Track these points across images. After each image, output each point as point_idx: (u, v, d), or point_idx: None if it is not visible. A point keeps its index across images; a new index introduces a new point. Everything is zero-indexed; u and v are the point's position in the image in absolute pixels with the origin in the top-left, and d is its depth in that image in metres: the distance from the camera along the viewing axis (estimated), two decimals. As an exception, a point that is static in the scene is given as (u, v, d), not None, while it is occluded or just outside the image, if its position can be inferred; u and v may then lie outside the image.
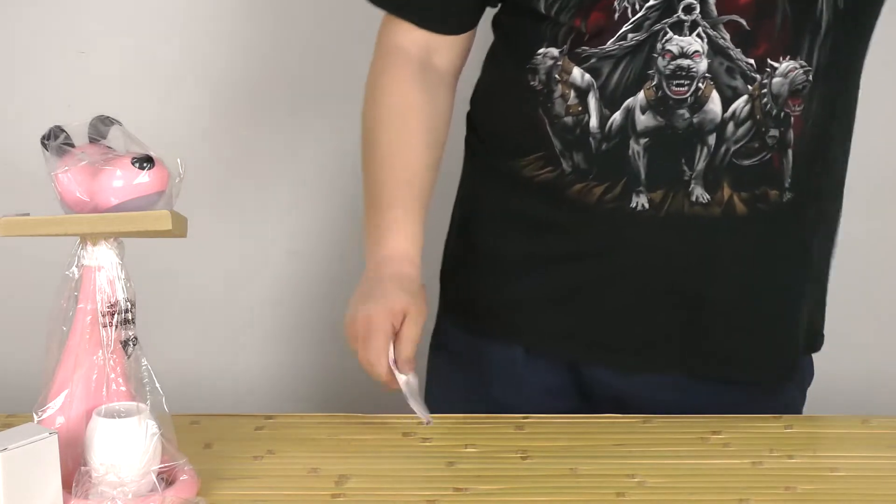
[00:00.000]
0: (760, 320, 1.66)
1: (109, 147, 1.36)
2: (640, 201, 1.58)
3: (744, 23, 1.53)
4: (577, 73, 1.56)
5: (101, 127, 1.37)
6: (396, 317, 1.54)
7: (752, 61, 1.54)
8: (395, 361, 1.53)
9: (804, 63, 1.56)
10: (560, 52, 1.57)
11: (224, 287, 2.36)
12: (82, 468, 1.34)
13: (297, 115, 2.28)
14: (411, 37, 1.67)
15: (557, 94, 1.58)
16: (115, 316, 1.34)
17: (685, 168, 1.57)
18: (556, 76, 1.58)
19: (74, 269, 1.36)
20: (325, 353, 2.37)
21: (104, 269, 1.35)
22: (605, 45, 1.55)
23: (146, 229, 1.32)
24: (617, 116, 1.56)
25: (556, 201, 1.61)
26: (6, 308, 2.34)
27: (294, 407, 1.84)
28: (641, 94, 1.55)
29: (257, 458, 1.50)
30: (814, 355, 1.81)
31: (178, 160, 1.35)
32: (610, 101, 1.56)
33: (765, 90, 1.55)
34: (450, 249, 1.78)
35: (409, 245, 1.61)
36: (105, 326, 1.34)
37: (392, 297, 1.55)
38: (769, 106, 1.56)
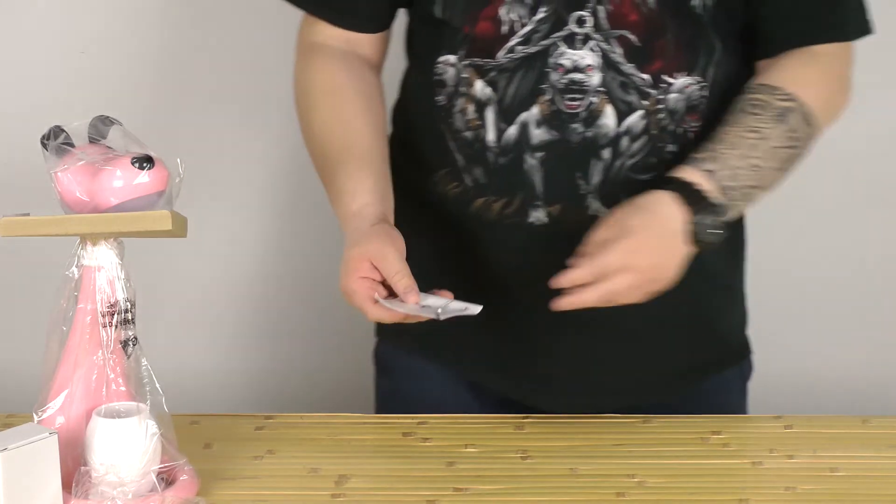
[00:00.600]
0: (662, 335, 1.64)
1: (109, 147, 1.36)
2: (538, 216, 1.57)
3: (634, 39, 1.53)
4: (479, 86, 1.56)
5: (101, 127, 1.37)
6: (362, 259, 1.48)
7: (646, 77, 1.54)
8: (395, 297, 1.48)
9: (699, 79, 1.55)
10: (458, 59, 1.56)
11: (224, 287, 2.36)
12: (82, 468, 1.34)
13: (295, 116, 2.28)
14: (330, 33, 1.67)
15: (458, 108, 1.58)
16: (115, 316, 1.35)
17: (581, 182, 1.56)
18: (462, 89, 1.57)
19: (74, 269, 1.36)
20: (324, 353, 2.36)
21: (104, 269, 1.35)
22: (494, 57, 1.55)
23: (146, 229, 1.32)
24: (512, 130, 1.56)
25: (462, 217, 1.61)
26: (6, 308, 2.34)
27: (294, 407, 1.84)
28: (536, 108, 1.55)
29: (257, 458, 1.50)
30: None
31: (178, 160, 1.35)
32: (506, 115, 1.55)
33: (661, 106, 1.54)
34: None
35: (363, 200, 1.55)
36: (105, 326, 1.34)
37: (353, 246, 1.50)
38: (666, 121, 1.55)
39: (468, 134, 1.58)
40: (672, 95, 1.55)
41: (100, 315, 1.34)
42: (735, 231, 1.65)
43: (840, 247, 2.29)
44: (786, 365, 2.30)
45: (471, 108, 1.57)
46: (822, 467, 1.47)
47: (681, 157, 1.55)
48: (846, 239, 2.29)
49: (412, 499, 1.41)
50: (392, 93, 1.72)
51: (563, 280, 1.43)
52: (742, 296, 1.74)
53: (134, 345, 1.36)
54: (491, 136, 1.56)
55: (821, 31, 1.59)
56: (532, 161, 1.56)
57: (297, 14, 1.71)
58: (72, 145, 1.35)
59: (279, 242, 2.36)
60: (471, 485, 1.44)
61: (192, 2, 2.26)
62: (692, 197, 1.48)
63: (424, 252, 1.59)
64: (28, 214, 1.34)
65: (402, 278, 1.45)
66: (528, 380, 1.65)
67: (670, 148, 1.56)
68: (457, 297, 1.49)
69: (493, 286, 1.61)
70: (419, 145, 1.66)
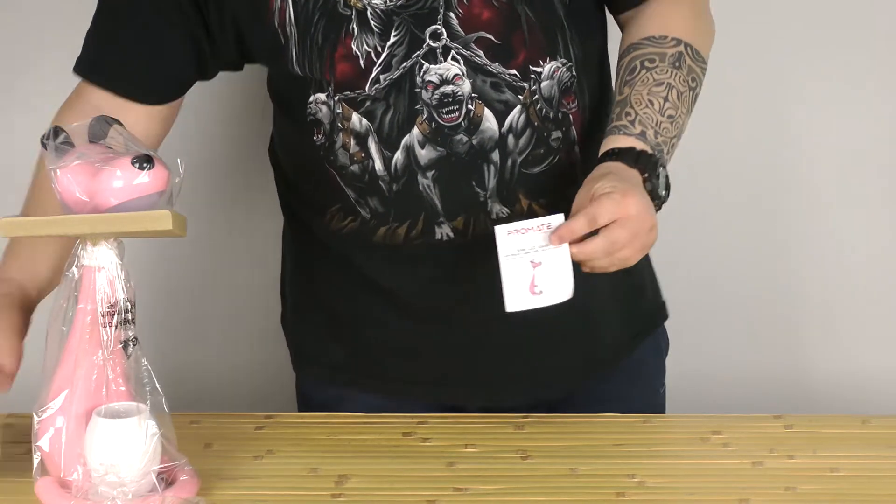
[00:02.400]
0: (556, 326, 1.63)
1: (109, 147, 1.36)
2: (444, 232, 1.58)
3: (492, 37, 1.53)
4: (356, 119, 1.56)
5: (101, 127, 1.37)
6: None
7: (514, 72, 1.54)
8: None
9: (565, 60, 1.56)
10: (328, 97, 1.56)
11: (224, 287, 2.36)
12: (82, 468, 1.34)
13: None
14: (107, 102, 1.59)
15: (339, 144, 1.58)
16: (115, 316, 1.34)
17: (478, 190, 1.57)
18: (339, 124, 1.57)
19: (74, 269, 1.36)
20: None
21: (104, 269, 1.35)
22: (363, 90, 1.55)
23: (146, 229, 1.32)
24: (399, 156, 1.56)
25: (368, 250, 1.62)
26: (6, 308, 2.33)
27: (294, 407, 1.84)
28: (416, 130, 1.55)
29: (257, 458, 1.50)
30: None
31: (178, 160, 1.35)
32: (388, 143, 1.56)
33: (536, 96, 1.55)
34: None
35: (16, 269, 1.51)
36: (105, 326, 1.34)
37: None
38: (545, 110, 1.56)
39: (355, 168, 1.58)
40: (545, 83, 1.56)
41: (100, 315, 1.34)
42: None
43: (840, 247, 2.29)
44: (786, 365, 2.31)
45: (352, 142, 1.57)
46: (822, 467, 1.47)
47: (567, 140, 1.57)
48: (846, 239, 2.28)
49: (412, 499, 1.41)
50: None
51: (563, 231, 1.41)
52: (645, 265, 1.74)
53: (134, 345, 1.36)
54: (379, 165, 1.57)
55: None
56: (425, 181, 1.57)
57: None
58: (72, 145, 1.35)
59: (279, 242, 2.36)
60: (471, 485, 1.44)
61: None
62: (639, 159, 1.48)
63: (331, 290, 1.66)
64: (28, 215, 1.34)
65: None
66: (453, 384, 1.67)
67: (555, 135, 1.57)
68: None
69: (409, 305, 1.64)
70: (303, 185, 1.67)
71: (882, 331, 2.32)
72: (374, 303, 1.66)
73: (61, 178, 1.33)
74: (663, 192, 1.49)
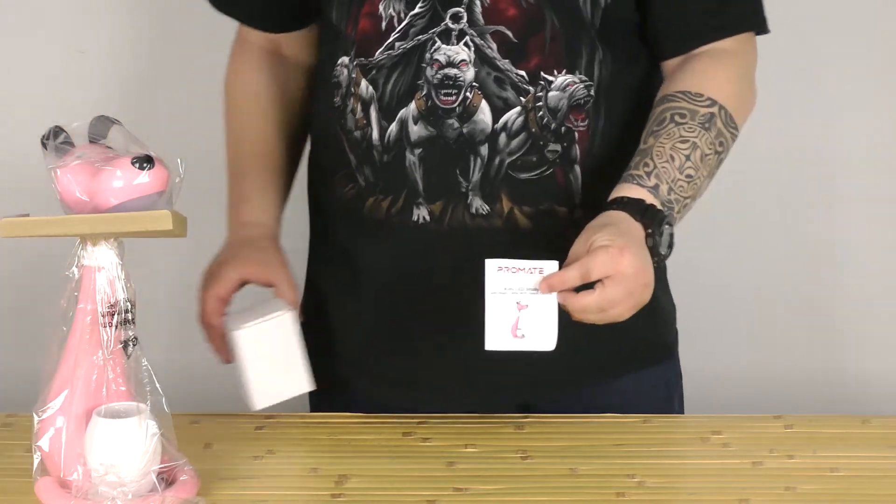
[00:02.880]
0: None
1: (109, 147, 1.36)
2: (421, 213, 1.58)
3: (510, 35, 1.53)
4: (364, 86, 1.57)
5: (101, 127, 1.37)
6: (232, 281, 1.64)
7: (522, 73, 1.54)
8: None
9: (584, 78, 1.55)
10: (349, 60, 1.58)
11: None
12: (82, 468, 1.34)
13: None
14: (254, 32, 1.74)
15: (349, 108, 1.59)
16: (116, 316, 1.34)
17: (461, 179, 1.56)
18: (351, 89, 1.58)
19: (74, 269, 1.36)
20: (325, 353, 2.36)
21: (104, 269, 1.35)
22: (373, 55, 1.56)
23: (146, 229, 1.32)
24: (393, 127, 1.57)
25: (357, 219, 1.62)
26: (6, 308, 2.34)
27: (294, 407, 1.84)
28: (413, 105, 1.56)
29: (257, 458, 1.50)
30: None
31: (178, 160, 1.35)
32: (387, 113, 1.57)
33: (540, 103, 1.55)
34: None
35: (259, 213, 1.70)
36: (105, 326, 1.34)
37: (230, 261, 1.65)
38: (546, 119, 1.55)
39: (357, 133, 1.59)
40: (553, 93, 1.55)
41: (100, 315, 1.34)
42: None
43: (839, 247, 2.29)
44: (785, 365, 2.30)
45: (359, 108, 1.58)
46: (822, 467, 1.47)
47: (566, 157, 1.56)
48: (844, 239, 2.28)
49: (412, 499, 1.41)
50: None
51: (554, 280, 1.40)
52: (654, 295, 1.61)
53: (134, 345, 1.36)
54: (375, 134, 1.58)
55: (721, 27, 1.59)
56: (412, 157, 1.57)
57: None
58: (72, 145, 1.35)
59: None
60: (471, 485, 1.44)
61: (193, 1, 2.26)
62: (646, 213, 1.47)
63: (320, 259, 1.70)
64: (28, 215, 1.34)
65: (285, 289, 1.61)
66: (415, 388, 1.64)
67: (553, 147, 1.56)
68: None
69: (379, 294, 1.63)
70: (320, 148, 1.70)
71: (882, 331, 2.32)
72: (347, 283, 1.65)
73: (61, 178, 1.33)
74: (665, 251, 1.48)
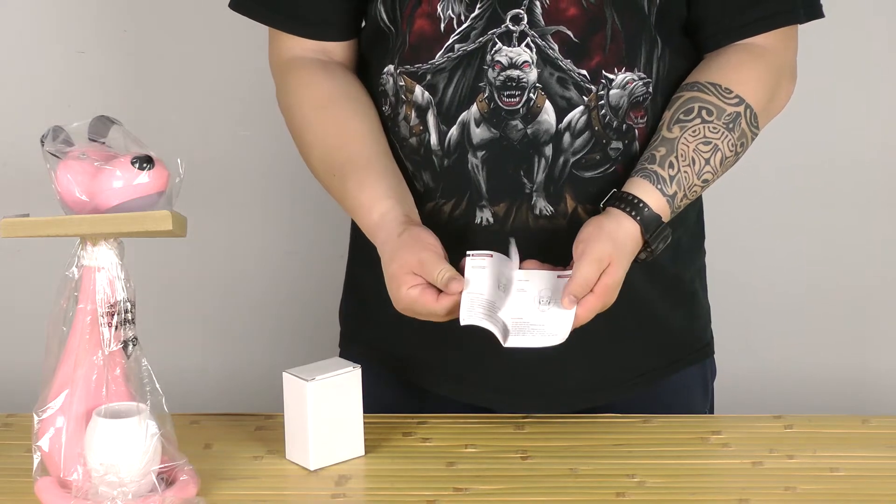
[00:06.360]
0: (614, 335, 1.61)
1: (109, 147, 1.36)
2: (484, 216, 1.57)
3: (571, 35, 1.53)
4: (419, 92, 1.56)
5: (101, 127, 1.37)
6: (403, 274, 1.47)
7: (584, 72, 1.54)
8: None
9: (643, 75, 1.55)
10: (395, 68, 1.57)
11: (224, 287, 2.36)
12: (82, 468, 1.34)
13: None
14: (304, 45, 1.64)
15: (401, 116, 1.58)
16: (116, 316, 1.35)
17: (525, 180, 1.56)
18: (403, 97, 1.57)
19: (74, 269, 1.36)
20: (325, 353, 2.36)
21: (104, 269, 1.35)
22: (434, 57, 1.55)
23: (146, 229, 1.32)
24: (454, 131, 1.56)
25: None
26: (6, 308, 2.34)
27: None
28: (475, 107, 1.55)
29: (257, 458, 1.50)
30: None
31: (178, 160, 1.35)
32: (446, 117, 1.56)
33: (602, 101, 1.54)
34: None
35: (381, 209, 1.54)
36: (105, 326, 1.34)
37: (390, 263, 1.49)
38: (608, 117, 1.55)
39: (413, 140, 1.58)
40: (614, 91, 1.55)
41: (100, 315, 1.34)
42: (687, 234, 1.66)
43: (840, 247, 2.29)
44: (786, 365, 2.31)
45: (413, 115, 1.57)
46: (822, 467, 1.47)
47: (627, 154, 1.56)
48: (846, 239, 2.29)
49: (412, 499, 1.41)
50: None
51: (577, 290, 1.43)
52: (697, 295, 1.71)
53: (134, 345, 1.36)
54: (434, 139, 1.57)
55: (762, 20, 1.58)
56: (475, 160, 1.56)
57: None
58: (72, 145, 1.35)
59: (279, 242, 2.36)
60: (471, 485, 1.44)
61: (193, 1, 2.26)
62: (655, 234, 1.49)
63: (362, 263, 1.66)
64: (28, 215, 1.34)
65: (443, 274, 1.45)
66: (483, 385, 1.63)
67: (615, 144, 1.56)
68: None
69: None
70: None
71: (882, 330, 2.32)
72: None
73: (61, 179, 1.33)
74: (657, 256, 1.52)
